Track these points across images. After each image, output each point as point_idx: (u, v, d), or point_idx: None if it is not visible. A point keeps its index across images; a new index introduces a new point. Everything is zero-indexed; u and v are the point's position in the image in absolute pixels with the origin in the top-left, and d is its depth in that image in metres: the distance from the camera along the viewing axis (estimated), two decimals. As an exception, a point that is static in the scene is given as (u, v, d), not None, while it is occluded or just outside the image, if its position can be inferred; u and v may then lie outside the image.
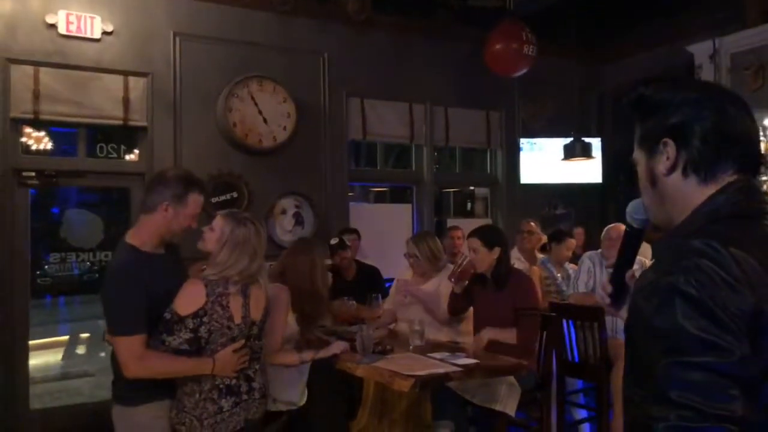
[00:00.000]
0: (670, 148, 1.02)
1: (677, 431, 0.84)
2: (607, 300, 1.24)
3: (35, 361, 4.54)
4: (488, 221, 6.49)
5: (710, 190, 1.00)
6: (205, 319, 2.22)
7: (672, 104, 1.03)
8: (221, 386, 2.26)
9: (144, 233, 2.27)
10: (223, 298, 2.26)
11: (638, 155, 1.10)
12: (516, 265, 4.63)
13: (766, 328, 0.86)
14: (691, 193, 1.01)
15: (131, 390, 2.22)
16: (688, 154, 1.01)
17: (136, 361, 2.12)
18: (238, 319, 2.30)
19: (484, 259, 3.39)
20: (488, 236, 3.43)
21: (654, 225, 1.16)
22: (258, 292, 2.40)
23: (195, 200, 2.33)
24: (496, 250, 3.37)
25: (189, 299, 2.21)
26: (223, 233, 2.35)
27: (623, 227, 4.59)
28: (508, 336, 3.25)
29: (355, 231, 4.96)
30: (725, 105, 1.02)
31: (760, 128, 4.66)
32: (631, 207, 1.24)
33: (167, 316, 2.19)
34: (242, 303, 2.32)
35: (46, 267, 4.71)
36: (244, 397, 2.32)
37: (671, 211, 1.05)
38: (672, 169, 1.03)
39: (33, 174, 4.50)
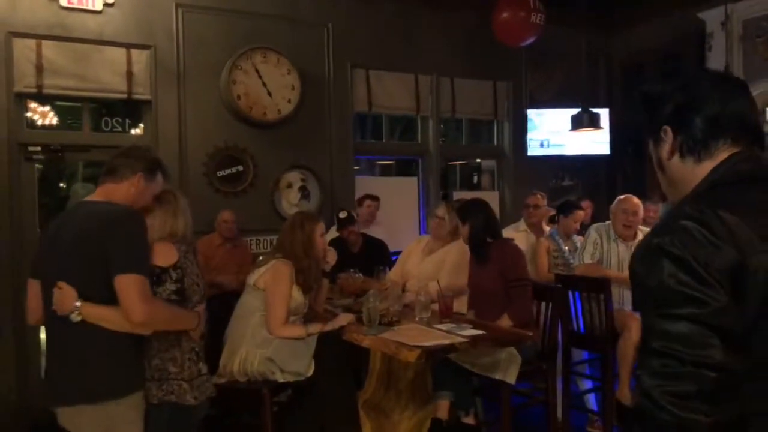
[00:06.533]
0: (668, 135, 1.13)
1: (660, 378, 0.91)
2: None
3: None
4: (495, 194, 6.47)
5: (708, 166, 1.09)
6: (186, 271, 2.25)
7: (666, 94, 1.14)
8: (196, 349, 2.28)
9: (115, 200, 2.16)
10: (188, 254, 2.30)
11: (650, 145, 1.20)
12: (523, 238, 4.67)
13: (749, 283, 0.93)
14: (690, 172, 1.11)
15: (108, 383, 2.00)
16: (683, 137, 1.11)
17: (148, 301, 1.98)
18: (202, 276, 2.36)
19: (462, 232, 3.55)
20: (461, 210, 3.60)
21: None
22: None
23: (160, 180, 2.29)
24: (467, 225, 3.47)
25: (164, 255, 2.23)
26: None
27: (636, 199, 4.54)
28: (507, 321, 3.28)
29: (377, 198, 5.12)
30: (713, 89, 1.11)
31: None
32: (661, 211, 1.37)
33: (147, 261, 2.14)
34: (196, 262, 2.37)
35: (55, 241, 4.74)
36: (206, 371, 2.35)
37: (680, 191, 1.14)
38: (672, 153, 1.13)
39: (39, 149, 4.50)
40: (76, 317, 1.96)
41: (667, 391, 0.90)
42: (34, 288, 2.17)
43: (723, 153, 1.08)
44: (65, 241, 2.05)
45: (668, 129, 1.13)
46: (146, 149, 2.38)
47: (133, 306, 1.94)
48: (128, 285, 1.95)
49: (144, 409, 2.11)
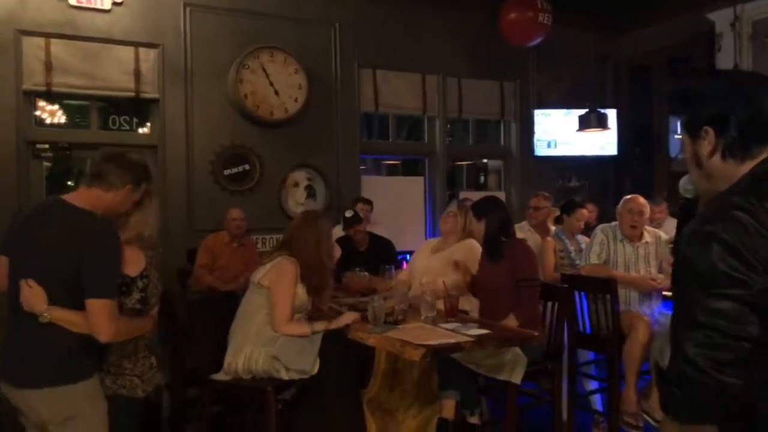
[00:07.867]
0: (710, 136, 1.18)
1: (704, 347, 1.03)
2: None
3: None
4: (501, 194, 6.45)
5: (749, 165, 1.17)
6: (150, 279, 2.32)
7: (711, 95, 1.19)
8: (148, 344, 2.36)
9: (98, 208, 2.18)
10: (153, 259, 2.36)
11: (684, 138, 1.25)
12: (528, 238, 4.65)
13: None
14: (732, 171, 1.18)
15: (73, 365, 2.11)
16: (726, 140, 1.17)
17: (114, 322, 2.10)
18: (161, 278, 2.42)
19: (476, 229, 3.53)
20: (477, 207, 3.56)
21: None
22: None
23: (144, 188, 2.32)
24: (483, 221, 3.45)
25: (133, 263, 2.28)
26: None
27: (642, 199, 4.44)
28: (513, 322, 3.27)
29: (369, 201, 4.99)
30: (758, 93, 1.17)
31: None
32: (683, 182, 1.43)
33: (118, 280, 2.22)
34: (157, 265, 2.41)
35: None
36: (156, 363, 2.41)
37: (717, 185, 1.20)
38: (713, 154, 1.19)
39: (47, 146, 4.53)
40: (44, 319, 2.06)
41: (709, 358, 1.02)
42: (2, 262, 2.22)
43: (763, 154, 1.16)
44: (40, 242, 2.11)
45: (710, 130, 1.18)
46: (137, 158, 2.39)
47: (101, 327, 2.07)
48: (99, 309, 2.06)
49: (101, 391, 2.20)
